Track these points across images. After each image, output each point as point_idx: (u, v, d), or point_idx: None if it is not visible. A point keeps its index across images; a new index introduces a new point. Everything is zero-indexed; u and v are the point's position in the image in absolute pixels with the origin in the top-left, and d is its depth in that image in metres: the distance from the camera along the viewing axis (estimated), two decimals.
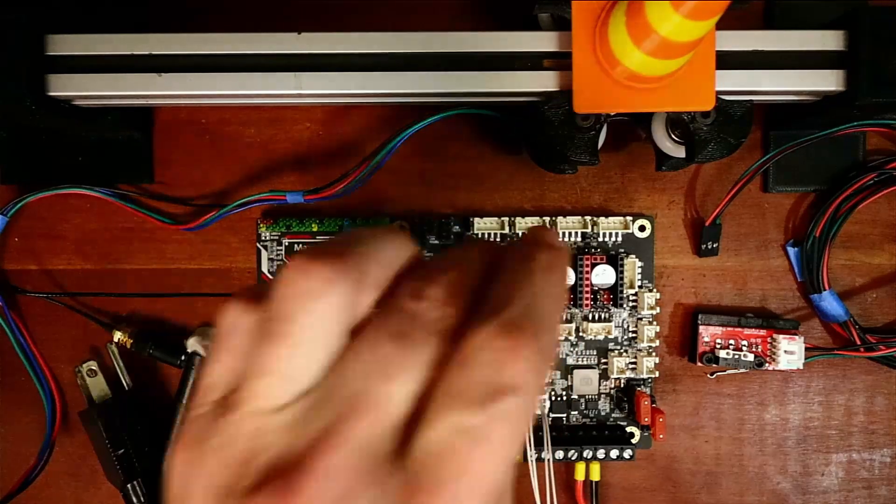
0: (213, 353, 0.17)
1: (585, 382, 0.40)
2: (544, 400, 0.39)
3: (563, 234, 0.39)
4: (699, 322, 0.40)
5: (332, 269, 0.16)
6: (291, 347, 0.16)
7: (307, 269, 0.16)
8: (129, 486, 0.38)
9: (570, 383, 0.40)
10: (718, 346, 0.39)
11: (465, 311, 0.17)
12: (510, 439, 0.16)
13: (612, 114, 0.31)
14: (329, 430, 0.16)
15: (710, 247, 0.40)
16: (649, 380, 0.40)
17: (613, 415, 0.40)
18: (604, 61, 0.27)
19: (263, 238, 0.39)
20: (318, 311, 0.16)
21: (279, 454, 0.16)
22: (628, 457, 0.39)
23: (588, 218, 0.39)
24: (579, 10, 0.28)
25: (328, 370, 0.16)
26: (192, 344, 0.39)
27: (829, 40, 0.32)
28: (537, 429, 0.38)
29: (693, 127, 0.31)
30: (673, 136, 0.34)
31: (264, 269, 0.39)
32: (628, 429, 0.40)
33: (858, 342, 0.39)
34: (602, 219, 0.39)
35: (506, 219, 0.39)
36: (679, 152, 0.34)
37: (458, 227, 0.39)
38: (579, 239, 0.39)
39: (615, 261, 0.39)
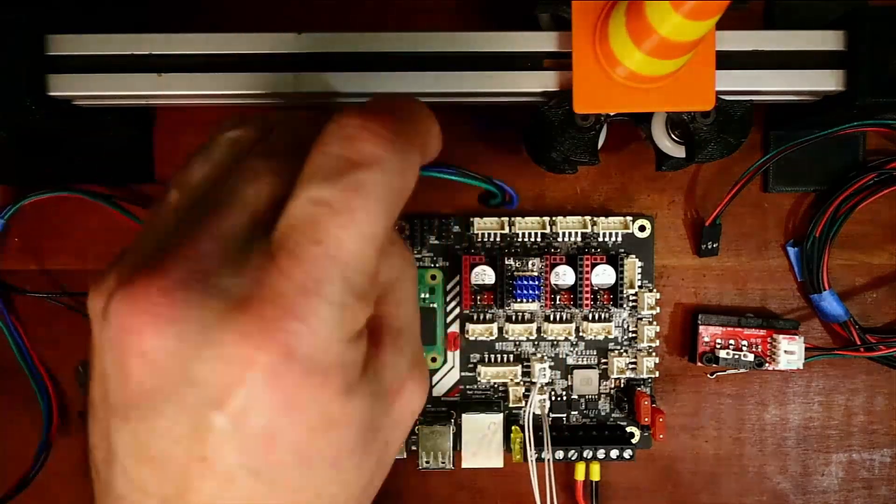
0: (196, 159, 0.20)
1: (585, 382, 0.40)
2: (545, 402, 0.39)
3: (564, 234, 0.39)
4: (699, 322, 0.40)
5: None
6: (191, 163, 0.20)
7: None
8: None
9: (570, 383, 0.40)
10: (718, 346, 0.39)
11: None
12: (368, 213, 0.17)
13: (612, 114, 0.31)
14: (199, 223, 0.18)
15: (710, 247, 0.40)
16: (649, 380, 0.40)
17: (613, 415, 0.40)
18: (604, 61, 0.27)
19: None
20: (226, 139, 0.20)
21: (160, 245, 0.18)
22: (628, 457, 0.39)
23: (588, 218, 0.39)
24: (579, 10, 0.28)
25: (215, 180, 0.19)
26: None
27: (829, 40, 0.32)
28: (537, 429, 0.38)
29: (693, 127, 0.31)
30: (673, 136, 0.34)
31: None
32: (628, 429, 0.40)
33: (858, 342, 0.39)
34: (602, 219, 0.39)
35: (505, 219, 0.39)
36: (679, 152, 0.34)
37: (457, 227, 0.39)
38: (579, 239, 0.39)
39: (615, 261, 0.39)
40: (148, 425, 0.17)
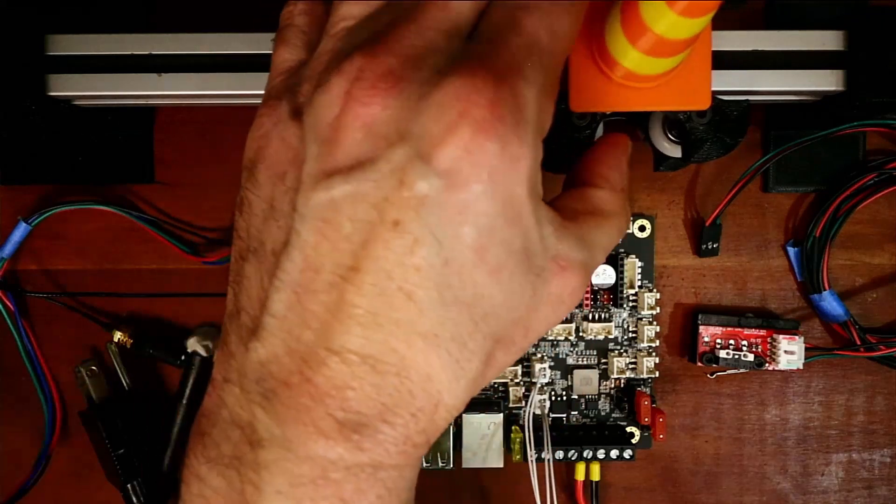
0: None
1: (585, 382, 0.40)
2: (545, 402, 0.39)
3: None
4: (699, 322, 0.40)
5: None
6: None
7: None
8: (129, 486, 0.38)
9: (570, 383, 0.40)
10: (718, 346, 0.39)
11: None
12: (560, 13, 0.20)
13: (608, 113, 0.31)
14: (402, 17, 0.19)
15: (710, 247, 0.40)
16: (649, 380, 0.40)
17: (613, 415, 0.40)
18: (600, 60, 0.27)
19: None
20: None
21: (363, 38, 0.19)
22: (628, 457, 0.39)
23: None
24: None
25: None
26: (192, 344, 0.39)
27: (829, 40, 0.32)
28: (537, 429, 0.38)
29: (689, 126, 0.31)
30: (670, 136, 0.34)
31: None
32: (628, 429, 0.40)
33: (858, 342, 0.39)
34: None
35: None
36: (676, 152, 0.34)
37: None
38: None
39: (615, 261, 0.39)
40: (350, 188, 0.18)
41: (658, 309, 0.39)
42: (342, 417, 0.18)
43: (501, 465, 0.38)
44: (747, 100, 0.32)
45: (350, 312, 0.18)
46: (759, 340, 0.39)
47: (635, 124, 0.35)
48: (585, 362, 0.40)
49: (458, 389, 0.19)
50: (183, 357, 0.39)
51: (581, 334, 0.40)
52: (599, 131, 0.34)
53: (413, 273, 0.18)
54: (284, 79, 0.22)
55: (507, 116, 0.18)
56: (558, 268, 0.21)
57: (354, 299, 0.18)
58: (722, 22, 0.39)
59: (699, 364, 0.40)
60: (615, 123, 0.35)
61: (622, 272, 0.39)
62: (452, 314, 0.18)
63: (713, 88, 0.31)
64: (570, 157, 0.32)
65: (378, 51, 0.18)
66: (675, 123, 0.32)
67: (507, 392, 0.39)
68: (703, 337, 0.40)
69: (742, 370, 0.40)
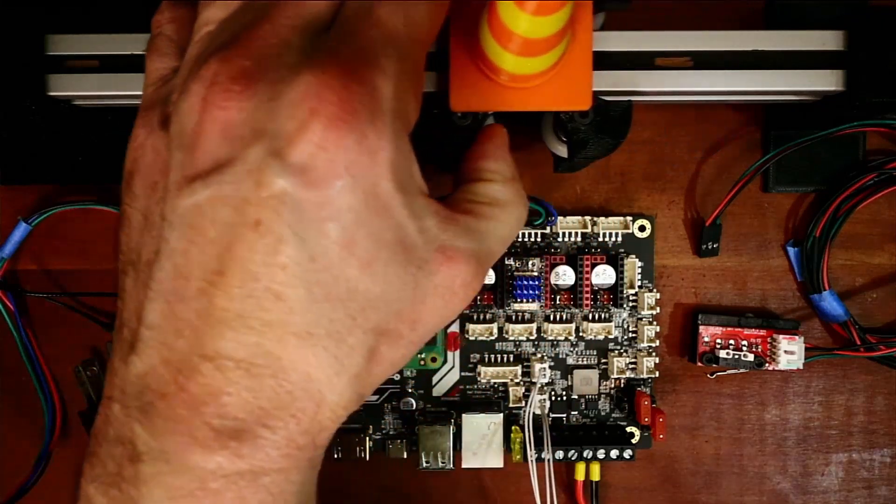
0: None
1: (585, 382, 0.40)
2: (545, 402, 0.39)
3: (564, 234, 0.39)
4: (699, 322, 0.40)
5: None
6: None
7: None
8: None
9: (570, 383, 0.40)
10: (718, 346, 0.39)
11: None
12: (416, 2, 0.20)
13: (490, 113, 0.30)
14: (257, 18, 0.19)
15: (710, 247, 0.40)
16: (649, 380, 0.40)
17: (613, 415, 0.40)
18: (479, 60, 0.27)
19: None
20: None
21: (220, 41, 0.19)
22: (628, 457, 0.39)
23: (588, 218, 0.39)
24: (455, 10, 0.28)
25: None
26: None
27: (829, 40, 0.32)
28: (537, 429, 0.38)
29: (571, 127, 0.31)
30: (560, 137, 0.34)
31: None
32: (628, 429, 0.40)
33: (858, 342, 0.39)
34: (602, 219, 0.39)
35: None
36: (565, 152, 0.34)
37: None
38: (579, 239, 0.39)
39: (615, 261, 0.39)
40: (210, 192, 0.18)
41: (658, 309, 0.39)
42: (219, 425, 0.18)
43: (501, 465, 0.38)
44: (629, 100, 0.32)
45: (220, 317, 0.18)
46: (759, 340, 0.39)
47: (529, 126, 0.35)
48: (585, 362, 0.40)
49: (341, 386, 0.19)
50: None
51: (581, 334, 0.40)
52: None
53: (279, 272, 0.18)
54: (157, 88, 0.22)
55: (360, 109, 0.18)
56: (444, 258, 0.20)
57: (223, 303, 0.18)
58: (722, 22, 0.39)
59: (699, 364, 0.40)
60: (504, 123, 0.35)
61: (622, 272, 0.39)
62: (326, 310, 0.18)
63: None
64: (460, 156, 0.32)
65: (231, 53, 0.18)
66: (562, 124, 0.32)
67: (507, 392, 0.39)
68: (703, 337, 0.40)
69: (742, 370, 0.40)
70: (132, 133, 0.21)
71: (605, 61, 0.31)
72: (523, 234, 0.39)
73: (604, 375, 0.40)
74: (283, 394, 0.18)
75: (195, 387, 0.18)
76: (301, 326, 0.18)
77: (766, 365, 0.39)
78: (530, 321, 0.39)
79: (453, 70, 0.28)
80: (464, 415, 0.38)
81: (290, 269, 0.18)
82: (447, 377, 0.40)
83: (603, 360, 0.40)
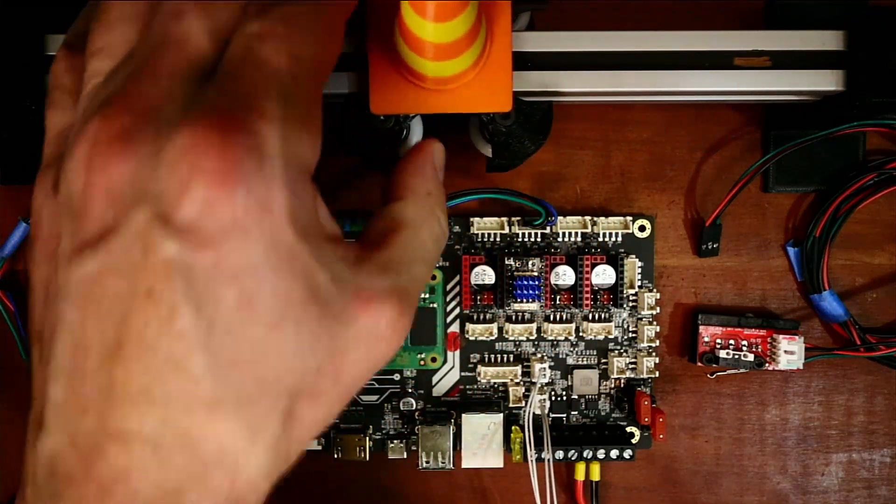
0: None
1: (585, 382, 0.40)
2: (545, 402, 0.39)
3: (564, 234, 0.39)
4: (699, 322, 0.40)
5: None
6: (105, 26, 0.20)
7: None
8: None
9: (570, 383, 0.40)
10: (718, 346, 0.39)
11: None
12: (300, 37, 0.19)
13: (411, 115, 0.30)
14: (139, 68, 0.18)
15: (710, 247, 0.40)
16: (649, 380, 0.40)
17: (613, 415, 0.40)
18: (398, 63, 0.27)
19: None
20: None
21: (105, 95, 0.18)
22: (628, 457, 0.39)
23: (588, 218, 0.39)
24: (373, 13, 0.28)
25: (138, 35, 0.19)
26: None
27: (829, 40, 0.32)
28: (537, 429, 0.38)
29: (492, 128, 0.31)
30: (486, 138, 0.34)
31: None
32: (628, 429, 0.40)
33: (858, 342, 0.39)
34: (602, 219, 0.39)
35: (505, 219, 0.39)
36: (490, 153, 0.34)
37: (458, 227, 0.39)
38: (579, 239, 0.39)
39: (615, 261, 0.39)
40: (100, 261, 0.17)
41: (658, 309, 0.39)
42: None
43: (501, 465, 0.38)
44: (549, 101, 0.31)
45: (122, 393, 0.17)
46: (759, 340, 0.39)
47: (456, 127, 0.35)
48: (585, 362, 0.40)
49: (258, 455, 0.18)
50: None
51: (581, 334, 0.40)
52: (419, 130, 0.34)
53: (177, 342, 0.16)
54: (55, 146, 0.21)
55: (244, 159, 0.16)
56: (362, 303, 0.19)
57: (124, 378, 0.17)
58: (722, 22, 0.39)
59: (699, 364, 0.40)
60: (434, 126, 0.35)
61: (622, 272, 0.39)
62: (233, 376, 0.17)
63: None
64: (390, 155, 0.32)
65: (111, 111, 0.17)
66: (485, 125, 0.32)
67: (507, 392, 0.39)
68: (703, 337, 0.40)
69: (742, 370, 0.40)
70: (33, 193, 0.20)
71: (529, 62, 0.31)
72: (523, 235, 0.39)
73: (604, 375, 0.40)
74: (196, 469, 0.17)
75: (103, 468, 0.17)
76: (207, 396, 0.17)
77: (766, 365, 0.39)
78: (530, 321, 0.39)
79: (373, 73, 0.28)
80: (464, 415, 0.38)
81: (188, 338, 0.16)
82: (447, 377, 0.40)
83: (603, 360, 0.40)
